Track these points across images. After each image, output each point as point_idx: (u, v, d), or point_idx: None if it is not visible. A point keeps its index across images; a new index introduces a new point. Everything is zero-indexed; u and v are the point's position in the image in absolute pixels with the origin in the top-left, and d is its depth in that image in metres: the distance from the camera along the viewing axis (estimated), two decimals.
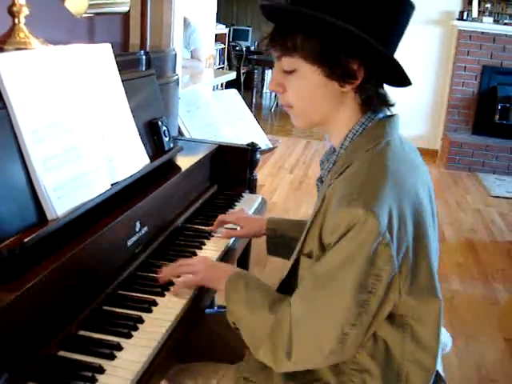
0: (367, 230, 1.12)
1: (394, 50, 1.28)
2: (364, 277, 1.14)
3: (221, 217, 1.90)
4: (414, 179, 1.27)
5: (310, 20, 1.21)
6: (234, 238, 1.89)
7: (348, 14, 1.19)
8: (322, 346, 1.19)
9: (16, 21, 1.59)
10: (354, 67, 1.23)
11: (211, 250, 1.79)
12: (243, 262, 2.33)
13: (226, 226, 1.90)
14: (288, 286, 1.36)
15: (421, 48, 6.68)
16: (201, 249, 1.77)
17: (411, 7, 1.26)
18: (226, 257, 1.80)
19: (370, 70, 1.24)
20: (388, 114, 1.33)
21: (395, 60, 1.24)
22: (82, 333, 1.27)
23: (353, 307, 1.16)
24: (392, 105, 1.33)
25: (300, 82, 1.27)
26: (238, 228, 1.86)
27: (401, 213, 1.17)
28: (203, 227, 1.93)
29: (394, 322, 1.25)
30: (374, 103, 1.29)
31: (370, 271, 1.14)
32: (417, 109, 6.86)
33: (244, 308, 1.31)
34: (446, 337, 1.59)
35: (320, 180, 1.42)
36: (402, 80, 1.29)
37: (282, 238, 1.72)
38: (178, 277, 1.50)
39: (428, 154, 6.80)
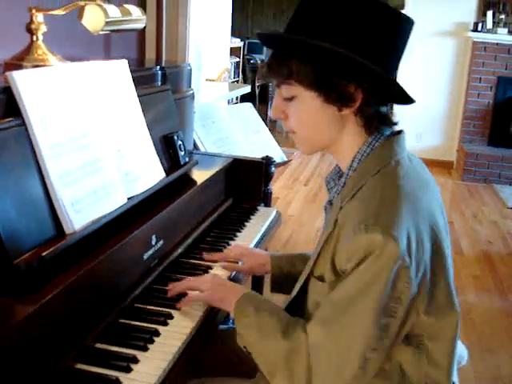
0: (387, 255, 1.12)
1: (393, 68, 1.27)
2: (385, 301, 1.14)
3: (222, 255, 1.79)
4: (427, 195, 1.27)
5: (303, 46, 1.21)
6: None
7: (341, 38, 1.19)
8: (344, 372, 1.17)
9: (34, 38, 1.63)
10: (351, 90, 1.22)
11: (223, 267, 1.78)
12: (257, 278, 2.33)
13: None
14: (296, 306, 1.36)
15: (435, 60, 6.68)
16: (215, 262, 1.78)
17: (408, 23, 1.25)
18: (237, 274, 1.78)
19: (368, 91, 1.23)
20: (395, 130, 1.33)
21: (392, 79, 1.24)
22: (98, 345, 1.28)
23: (374, 332, 1.15)
24: (395, 123, 1.32)
25: (300, 108, 1.28)
26: (241, 263, 1.77)
27: (418, 233, 1.17)
28: (218, 241, 1.94)
29: (409, 343, 1.24)
30: (374, 125, 1.28)
31: (391, 295, 1.14)
32: (432, 120, 6.85)
33: (255, 333, 1.29)
34: (462, 349, 1.58)
35: (329, 203, 1.40)
36: (403, 97, 1.28)
37: (288, 275, 1.66)
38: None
39: (443, 165, 6.78)
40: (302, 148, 1.36)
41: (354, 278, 1.16)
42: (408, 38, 1.27)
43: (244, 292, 1.39)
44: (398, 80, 1.26)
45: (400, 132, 1.33)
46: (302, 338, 1.22)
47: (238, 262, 1.76)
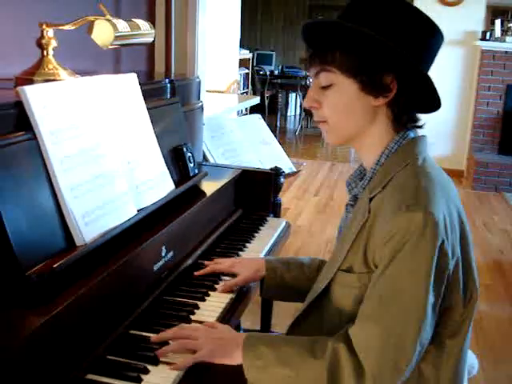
0: (429, 234, 1.15)
1: (426, 69, 1.32)
2: (433, 281, 1.16)
3: (210, 268, 1.75)
4: (452, 187, 1.33)
5: (350, 34, 1.26)
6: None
7: (384, 31, 1.25)
8: (400, 363, 1.18)
9: (44, 53, 1.65)
10: (387, 81, 1.28)
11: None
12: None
13: (224, 277, 1.73)
14: (318, 306, 1.37)
15: (444, 69, 6.68)
16: (226, 275, 1.78)
17: (442, 37, 1.32)
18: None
19: (402, 84, 1.28)
20: (418, 134, 1.37)
21: (427, 75, 1.28)
22: (109, 356, 1.29)
23: (427, 315, 1.17)
24: (421, 126, 1.38)
25: (336, 96, 1.32)
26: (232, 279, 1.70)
27: (450, 217, 1.22)
28: (228, 251, 1.95)
29: (432, 342, 1.24)
30: (404, 120, 1.33)
31: (436, 275, 1.17)
32: (441, 129, 6.84)
33: (279, 369, 1.23)
34: (472, 359, 1.58)
35: (353, 200, 1.42)
36: (432, 102, 1.33)
37: (282, 280, 1.65)
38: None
39: (453, 174, 6.75)
40: (331, 136, 1.39)
41: (396, 264, 1.17)
42: (439, 50, 1.34)
43: (246, 335, 1.31)
44: None
45: (423, 136, 1.38)
46: (337, 348, 1.21)
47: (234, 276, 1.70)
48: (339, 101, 1.32)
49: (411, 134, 1.35)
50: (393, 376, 1.19)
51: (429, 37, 1.31)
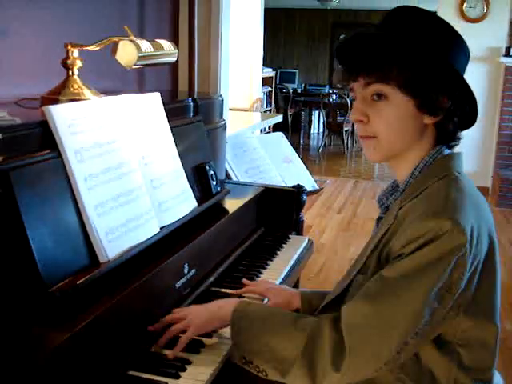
0: (453, 242, 1.15)
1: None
2: (438, 287, 1.16)
3: (245, 289, 1.76)
4: (486, 207, 1.32)
5: (410, 50, 1.25)
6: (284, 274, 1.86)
7: (437, 49, 1.26)
8: (381, 353, 1.18)
9: (70, 73, 1.68)
10: (443, 101, 1.28)
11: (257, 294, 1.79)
12: None
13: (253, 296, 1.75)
14: (332, 309, 1.36)
15: None
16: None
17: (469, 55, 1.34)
18: None
19: (454, 105, 1.29)
20: (453, 151, 1.37)
21: (474, 96, 1.30)
22: (131, 373, 1.30)
23: (421, 316, 1.16)
24: (457, 144, 1.39)
25: (391, 110, 1.29)
26: (266, 300, 1.70)
27: (479, 231, 1.21)
28: (250, 269, 1.95)
29: (441, 348, 1.25)
30: (450, 139, 1.34)
31: (446, 282, 1.16)
32: (466, 146, 6.72)
33: (263, 335, 1.28)
34: (498, 379, 1.56)
35: (384, 212, 1.42)
36: (471, 120, 1.35)
37: (317, 309, 1.60)
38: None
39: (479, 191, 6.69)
40: (377, 154, 1.34)
41: (413, 259, 1.18)
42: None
43: (238, 301, 1.39)
44: None
45: (459, 153, 1.38)
46: (320, 323, 1.22)
47: (263, 300, 1.71)
48: (394, 115, 1.29)
49: (446, 150, 1.35)
50: (370, 362, 1.19)
51: (468, 56, 1.33)
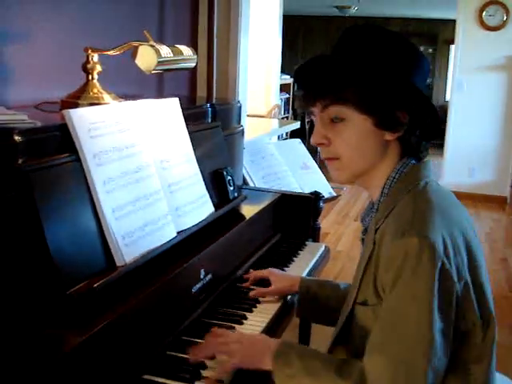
0: (426, 258, 1.13)
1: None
2: (437, 306, 1.13)
3: (253, 274, 1.86)
4: (458, 212, 1.30)
5: (364, 70, 1.26)
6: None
7: (390, 65, 1.26)
8: None
9: (90, 77, 1.69)
10: (400, 116, 1.27)
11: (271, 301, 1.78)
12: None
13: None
14: (343, 338, 1.36)
15: (486, 94, 6.61)
16: (263, 296, 1.78)
17: (428, 62, 1.35)
18: (285, 309, 1.77)
19: (414, 118, 1.28)
20: (422, 159, 1.36)
21: (435, 108, 1.29)
22: (146, 377, 1.30)
23: (434, 340, 1.13)
24: (440, 145, 1.39)
25: (350, 131, 1.29)
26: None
27: (453, 239, 1.18)
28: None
29: (456, 370, 1.22)
30: (415, 151, 1.33)
31: (439, 298, 1.13)
32: (484, 155, 6.74)
33: (305, 379, 1.23)
34: (506, 382, 1.55)
35: (364, 232, 1.42)
36: (435, 130, 1.34)
37: (314, 298, 1.67)
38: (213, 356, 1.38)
39: (497, 201, 6.65)
40: (342, 173, 1.35)
41: (397, 290, 1.16)
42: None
43: (279, 342, 1.33)
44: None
45: (426, 161, 1.36)
46: (362, 369, 1.19)
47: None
48: (353, 136, 1.29)
49: (412, 161, 1.33)
50: None
51: (427, 66, 1.33)
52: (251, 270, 1.90)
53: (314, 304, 1.67)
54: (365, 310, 1.28)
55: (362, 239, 1.44)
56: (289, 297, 1.79)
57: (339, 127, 1.30)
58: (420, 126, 1.30)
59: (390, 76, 1.25)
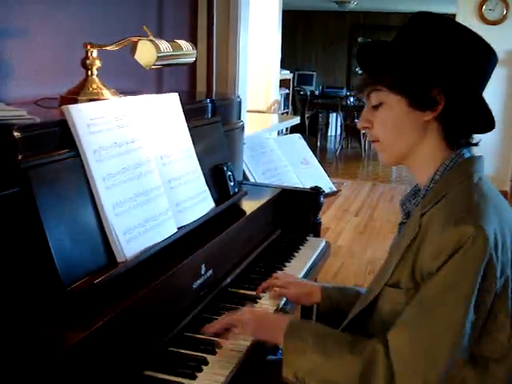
0: (477, 247, 1.14)
1: (478, 88, 1.33)
2: (475, 298, 1.15)
3: (266, 283, 1.78)
4: (509, 211, 1.30)
5: (396, 55, 1.30)
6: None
7: (432, 47, 1.28)
8: (429, 378, 1.16)
9: (89, 73, 1.68)
10: (433, 94, 1.28)
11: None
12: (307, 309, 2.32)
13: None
14: (358, 323, 1.36)
15: (487, 89, 6.57)
16: (265, 292, 1.78)
17: (495, 57, 1.38)
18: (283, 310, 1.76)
19: (452, 98, 1.28)
20: (475, 154, 1.37)
21: (475, 90, 1.30)
22: (147, 373, 1.30)
23: (463, 331, 1.15)
24: (476, 144, 1.39)
25: (386, 114, 1.34)
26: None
27: (503, 236, 1.20)
28: (267, 271, 1.94)
29: (476, 365, 1.23)
30: (456, 136, 1.33)
31: (479, 291, 1.15)
32: (485, 150, 6.66)
33: (316, 355, 1.26)
34: None
35: (406, 218, 1.41)
36: (485, 121, 1.33)
37: (336, 306, 1.64)
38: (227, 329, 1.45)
39: None
40: (385, 156, 1.40)
41: (443, 275, 1.17)
42: (491, 67, 1.38)
43: (294, 318, 1.39)
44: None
45: (480, 156, 1.38)
46: (376, 349, 1.21)
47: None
48: (389, 118, 1.34)
49: (467, 154, 1.35)
50: None
51: (480, 56, 1.33)
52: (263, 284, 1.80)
53: (336, 313, 1.62)
54: (395, 292, 1.28)
55: (400, 224, 1.44)
56: (282, 303, 1.73)
57: (379, 111, 1.35)
58: (460, 108, 1.30)
59: (417, 58, 1.27)
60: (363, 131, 1.45)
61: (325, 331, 1.33)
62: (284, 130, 6.12)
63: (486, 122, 1.33)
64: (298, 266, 2.03)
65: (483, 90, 1.34)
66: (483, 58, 1.33)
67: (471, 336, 1.17)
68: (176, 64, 1.84)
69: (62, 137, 1.34)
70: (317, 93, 11.68)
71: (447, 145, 1.33)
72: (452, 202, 1.25)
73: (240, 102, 2.40)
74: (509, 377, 1.26)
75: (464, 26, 1.32)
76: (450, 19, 1.32)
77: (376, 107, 1.35)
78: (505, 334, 1.23)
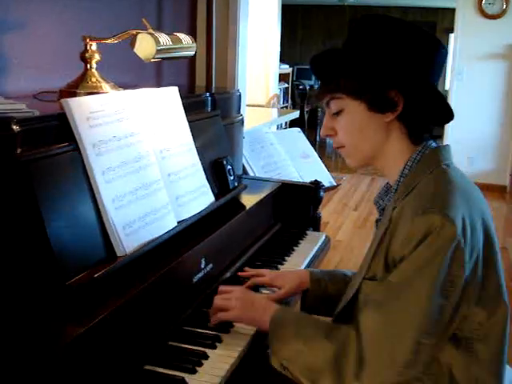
0: (444, 235, 1.17)
1: (433, 82, 1.34)
2: (441, 282, 1.17)
3: (251, 281, 1.73)
4: (478, 196, 1.34)
5: (348, 60, 1.34)
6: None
7: (384, 49, 1.31)
8: (396, 357, 1.19)
9: (88, 66, 1.68)
10: (391, 96, 1.31)
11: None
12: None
13: (264, 290, 1.73)
14: (345, 316, 1.37)
15: (486, 83, 6.58)
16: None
17: (445, 50, 1.36)
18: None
19: (409, 97, 1.31)
20: (441, 144, 1.39)
21: (431, 85, 1.32)
22: (147, 367, 1.29)
23: (429, 314, 1.18)
24: (438, 136, 1.39)
25: (347, 120, 1.37)
26: (276, 290, 1.70)
27: (471, 220, 1.22)
28: (267, 265, 1.94)
29: (458, 346, 1.25)
30: (419, 131, 1.36)
31: (446, 277, 1.18)
32: (484, 144, 6.73)
33: (296, 343, 1.30)
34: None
35: (381, 214, 1.45)
36: (444, 112, 1.35)
37: (324, 290, 1.65)
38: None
39: (496, 189, 6.64)
40: (351, 159, 1.43)
41: (410, 260, 1.19)
42: (443, 60, 1.37)
43: (277, 307, 1.42)
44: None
45: (446, 145, 1.39)
46: (349, 335, 1.24)
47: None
48: (350, 123, 1.37)
49: (433, 144, 1.37)
50: (388, 369, 1.20)
51: (429, 50, 1.33)
52: (246, 268, 1.82)
53: (324, 298, 1.64)
54: (372, 284, 1.30)
55: (377, 220, 1.47)
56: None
57: (340, 117, 1.38)
58: (418, 104, 1.32)
59: (369, 60, 1.30)
60: (328, 139, 1.47)
61: (308, 321, 1.36)
62: (283, 124, 6.11)
63: (444, 114, 1.35)
64: (297, 260, 2.03)
65: (437, 81, 1.37)
66: (431, 50, 1.34)
67: (440, 320, 1.19)
68: (175, 57, 1.83)
69: (61, 130, 1.33)
70: (316, 87, 11.66)
71: (412, 141, 1.36)
72: (420, 192, 1.28)
73: (240, 96, 2.39)
74: (495, 360, 1.28)
75: (410, 24, 1.34)
76: (395, 19, 1.34)
77: (336, 114, 1.38)
78: (481, 315, 1.25)
